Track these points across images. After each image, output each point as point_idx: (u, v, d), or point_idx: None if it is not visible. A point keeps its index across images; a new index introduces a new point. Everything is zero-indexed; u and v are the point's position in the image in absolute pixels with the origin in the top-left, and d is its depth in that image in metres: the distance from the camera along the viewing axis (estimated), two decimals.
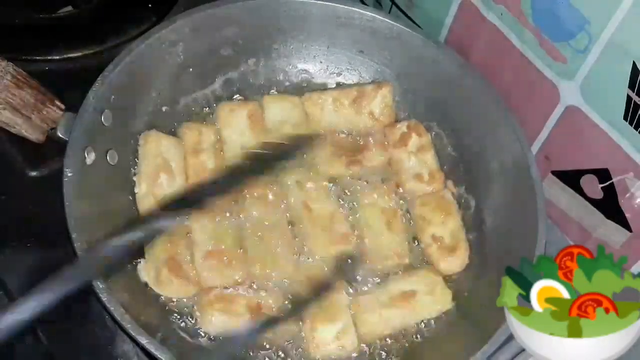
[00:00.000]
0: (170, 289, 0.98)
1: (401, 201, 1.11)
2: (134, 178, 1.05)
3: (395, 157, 1.14)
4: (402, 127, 1.15)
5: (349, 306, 1.00)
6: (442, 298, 1.01)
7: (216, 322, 0.96)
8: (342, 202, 1.10)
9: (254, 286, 1.00)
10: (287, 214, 1.07)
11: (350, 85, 1.19)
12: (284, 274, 1.01)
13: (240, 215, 1.05)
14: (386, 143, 1.15)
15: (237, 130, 1.11)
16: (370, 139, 1.14)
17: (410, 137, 1.13)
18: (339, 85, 1.21)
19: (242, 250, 1.02)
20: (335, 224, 1.06)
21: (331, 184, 1.11)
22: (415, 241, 1.08)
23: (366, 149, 1.13)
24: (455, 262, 1.05)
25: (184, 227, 1.02)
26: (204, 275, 0.99)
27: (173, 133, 1.11)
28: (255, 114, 1.13)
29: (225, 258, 1.00)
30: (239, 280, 1.00)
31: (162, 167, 1.05)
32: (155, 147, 1.06)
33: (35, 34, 1.22)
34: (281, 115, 1.14)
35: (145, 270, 0.97)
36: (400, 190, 1.12)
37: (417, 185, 1.12)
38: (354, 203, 1.10)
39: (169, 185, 1.04)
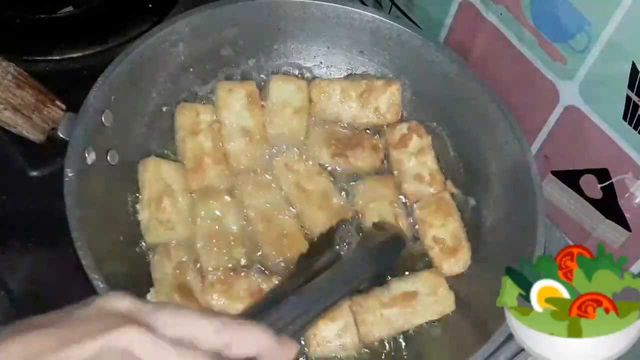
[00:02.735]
0: None
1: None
2: (137, 206, 1.03)
3: (395, 158, 1.13)
4: (403, 128, 1.14)
5: (350, 305, 1.00)
6: (444, 300, 1.01)
7: (215, 305, 0.96)
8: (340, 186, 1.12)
9: (266, 272, 1.01)
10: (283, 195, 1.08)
11: (359, 78, 1.19)
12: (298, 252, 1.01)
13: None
14: (380, 146, 1.14)
15: (234, 112, 1.11)
16: (365, 142, 1.14)
17: (410, 139, 1.13)
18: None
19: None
20: (330, 199, 1.07)
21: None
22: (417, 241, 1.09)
23: (359, 146, 1.13)
24: (457, 264, 1.05)
25: (192, 252, 1.01)
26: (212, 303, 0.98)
27: (173, 133, 1.12)
28: (253, 94, 1.12)
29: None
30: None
31: (164, 191, 1.03)
32: (156, 173, 1.04)
33: (36, 34, 1.22)
34: (283, 98, 1.13)
35: (156, 299, 0.95)
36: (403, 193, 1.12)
37: (417, 185, 1.11)
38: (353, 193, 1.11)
39: (173, 209, 1.03)
